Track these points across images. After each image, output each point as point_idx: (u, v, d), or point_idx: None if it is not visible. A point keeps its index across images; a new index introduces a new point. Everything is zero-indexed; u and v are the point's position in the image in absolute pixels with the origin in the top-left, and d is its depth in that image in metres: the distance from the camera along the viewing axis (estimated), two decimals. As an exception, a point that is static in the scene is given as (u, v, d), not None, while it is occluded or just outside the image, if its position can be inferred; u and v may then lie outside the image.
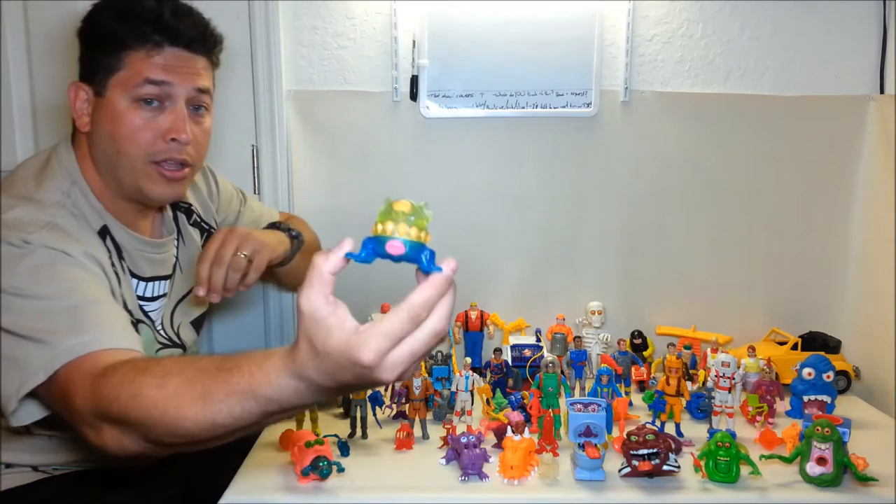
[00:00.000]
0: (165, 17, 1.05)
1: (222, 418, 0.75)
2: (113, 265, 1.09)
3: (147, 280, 1.18)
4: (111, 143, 1.07)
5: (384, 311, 1.70)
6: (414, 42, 1.68)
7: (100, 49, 1.05)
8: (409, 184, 1.74)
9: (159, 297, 1.21)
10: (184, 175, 1.12)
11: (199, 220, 1.35)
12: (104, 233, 1.10)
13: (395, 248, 0.70)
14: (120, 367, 0.82)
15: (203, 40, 1.10)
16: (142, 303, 1.18)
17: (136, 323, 1.12)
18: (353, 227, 1.85)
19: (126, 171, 1.08)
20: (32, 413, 0.92)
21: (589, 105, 1.70)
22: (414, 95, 1.69)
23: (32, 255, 0.95)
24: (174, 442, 0.79)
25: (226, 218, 1.44)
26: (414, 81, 1.68)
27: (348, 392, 1.07)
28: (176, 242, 1.27)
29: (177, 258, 1.27)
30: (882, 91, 1.70)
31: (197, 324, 1.32)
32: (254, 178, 1.71)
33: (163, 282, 1.21)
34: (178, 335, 1.26)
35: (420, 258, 0.71)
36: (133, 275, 1.15)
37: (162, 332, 1.23)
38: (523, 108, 1.70)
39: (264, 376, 0.71)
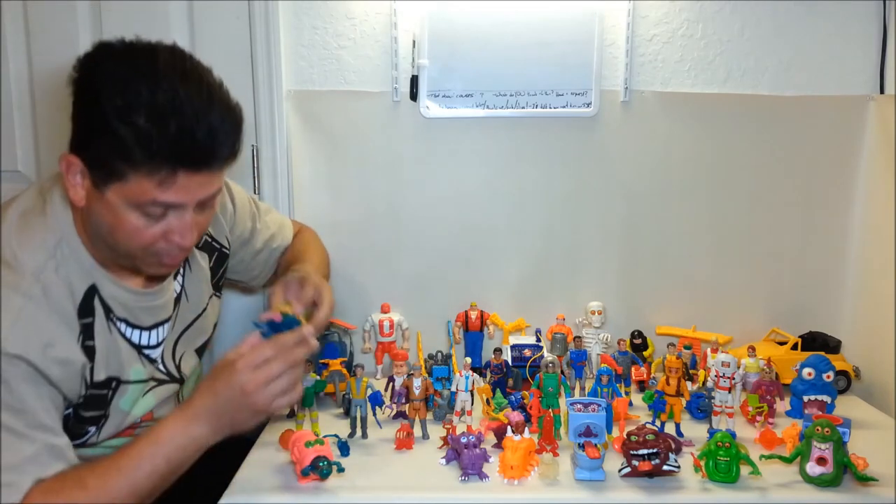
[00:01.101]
0: (195, 144, 0.94)
1: (141, 480, 0.98)
2: (89, 338, 1.05)
3: (149, 328, 1.15)
4: (108, 234, 1.01)
5: (384, 311, 1.70)
6: (414, 42, 1.68)
7: (107, 148, 0.94)
8: (409, 184, 1.74)
9: (163, 341, 1.18)
10: (182, 259, 1.11)
11: (209, 240, 1.30)
12: (92, 293, 1.05)
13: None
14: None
15: (228, 157, 1.00)
16: (147, 351, 1.15)
17: (118, 383, 1.11)
18: (353, 226, 1.87)
19: (122, 255, 1.04)
20: None
21: (589, 105, 1.70)
22: (414, 95, 1.69)
23: None
24: None
25: (240, 235, 1.40)
26: (414, 81, 1.68)
27: (234, 428, 1.07)
28: (182, 272, 1.23)
29: (183, 287, 1.23)
30: (882, 91, 1.70)
31: (200, 350, 1.30)
32: (254, 178, 1.71)
33: (165, 325, 1.18)
34: (178, 368, 1.23)
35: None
36: (132, 325, 1.12)
37: (162, 367, 1.19)
38: (523, 108, 1.70)
39: (163, 428, 0.97)
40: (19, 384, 0.95)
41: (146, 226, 0.99)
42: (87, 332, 1.04)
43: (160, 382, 1.19)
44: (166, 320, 1.18)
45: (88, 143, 0.97)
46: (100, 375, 1.07)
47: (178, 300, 1.21)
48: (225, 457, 1.28)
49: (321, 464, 1.12)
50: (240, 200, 1.39)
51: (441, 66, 1.68)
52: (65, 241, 1.04)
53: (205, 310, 1.29)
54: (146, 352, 1.15)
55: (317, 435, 1.23)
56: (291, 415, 1.44)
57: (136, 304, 1.12)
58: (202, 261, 1.28)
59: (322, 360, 1.52)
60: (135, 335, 1.13)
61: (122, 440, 1.17)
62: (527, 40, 1.67)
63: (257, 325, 1.09)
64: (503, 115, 1.70)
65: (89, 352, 1.05)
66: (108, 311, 1.08)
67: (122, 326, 1.11)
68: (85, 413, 1.06)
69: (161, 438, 1.02)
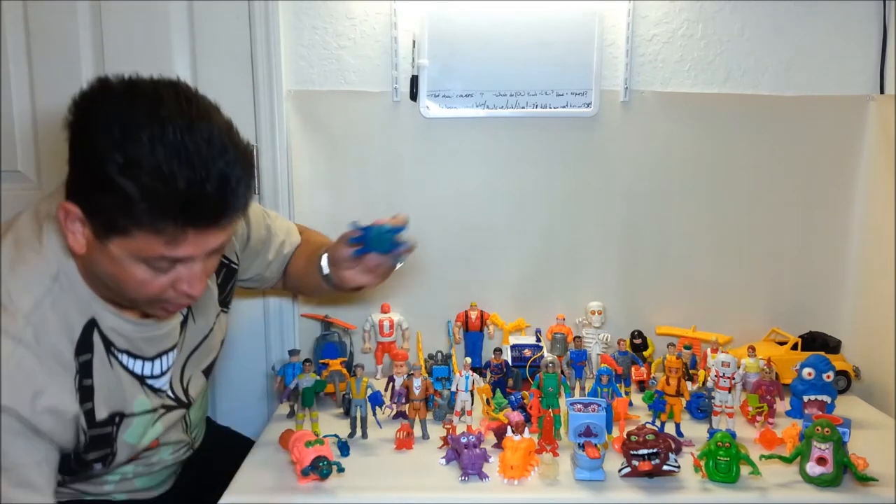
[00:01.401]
0: (206, 201, 0.88)
1: None
2: (87, 377, 1.00)
3: (153, 359, 1.10)
4: (112, 283, 0.96)
5: (384, 311, 1.70)
6: (414, 42, 1.68)
7: (110, 202, 0.87)
8: (409, 184, 1.74)
9: (168, 369, 1.14)
10: (189, 304, 1.06)
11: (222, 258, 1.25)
12: (91, 327, 1.00)
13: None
14: None
15: (241, 209, 0.93)
16: (150, 381, 1.11)
17: (121, 417, 1.07)
18: (353, 227, 1.84)
19: (125, 300, 1.01)
20: None
21: (589, 105, 1.70)
22: (414, 95, 1.69)
23: None
24: None
25: (252, 249, 1.35)
26: (414, 81, 1.68)
27: None
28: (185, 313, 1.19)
29: (189, 309, 1.18)
30: (882, 91, 1.70)
31: (208, 370, 1.25)
32: (254, 178, 1.71)
33: (170, 354, 1.13)
34: (186, 391, 1.19)
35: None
36: (135, 356, 1.07)
37: (170, 394, 1.15)
38: (523, 108, 1.70)
39: None
40: (7, 438, 0.90)
41: (153, 278, 0.94)
42: (84, 371, 1.00)
43: (168, 409, 1.15)
44: (171, 349, 1.13)
45: (88, 193, 0.90)
46: (101, 414, 1.02)
47: (184, 324, 1.16)
48: (225, 457, 1.28)
49: (321, 464, 1.12)
50: (254, 217, 1.33)
51: (441, 66, 1.68)
52: (62, 273, 0.98)
53: (212, 329, 1.24)
54: (150, 382, 1.10)
55: (317, 435, 1.23)
56: (291, 415, 1.44)
57: (138, 335, 1.06)
58: (210, 281, 1.22)
59: (322, 360, 1.52)
60: (137, 366, 1.08)
61: (129, 467, 1.17)
62: (527, 40, 1.67)
63: (353, 226, 1.17)
64: (503, 115, 1.70)
65: (86, 392, 1.00)
66: (108, 344, 1.03)
67: (124, 358, 1.06)
68: (88, 456, 1.03)
69: None
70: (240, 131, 0.93)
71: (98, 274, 0.96)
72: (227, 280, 1.29)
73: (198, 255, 0.94)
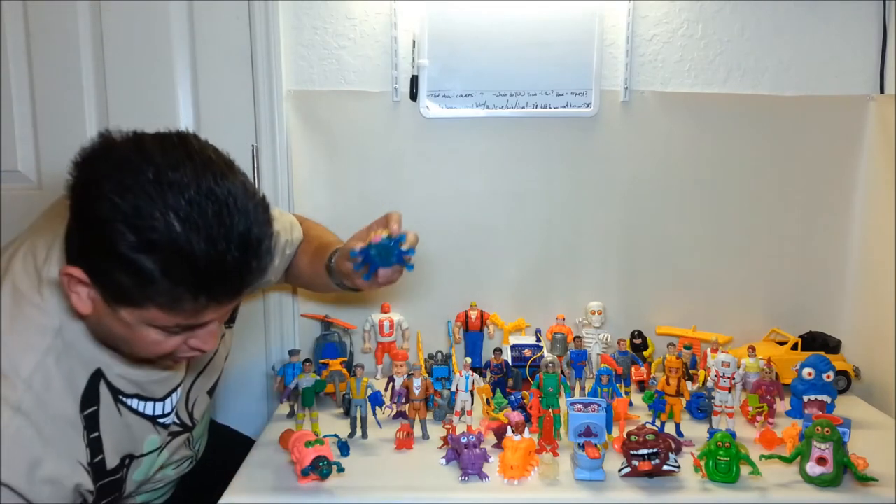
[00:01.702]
0: (225, 277, 0.84)
1: None
2: (94, 430, 0.97)
3: (163, 399, 1.08)
4: (121, 342, 0.93)
5: (384, 311, 1.70)
6: (414, 42, 1.68)
7: (116, 273, 0.82)
8: (409, 184, 1.74)
9: (176, 404, 1.12)
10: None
11: None
12: (97, 379, 0.97)
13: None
14: None
15: (264, 271, 0.89)
16: (161, 420, 1.09)
17: (131, 459, 1.05)
18: (353, 226, 1.86)
19: (135, 358, 0.98)
20: None
21: (589, 105, 1.70)
22: (414, 95, 1.69)
23: None
24: None
25: None
26: (414, 81, 1.68)
27: None
28: None
29: None
30: (882, 91, 1.70)
31: (212, 390, 1.25)
32: (254, 178, 1.71)
33: (179, 390, 1.11)
34: (191, 415, 1.17)
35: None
36: (145, 399, 1.05)
37: (176, 420, 1.14)
38: (523, 108, 1.70)
39: None
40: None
41: (166, 339, 0.90)
42: (91, 425, 0.96)
43: (174, 435, 1.14)
44: (179, 385, 1.11)
45: (96, 262, 0.84)
46: (112, 462, 1.00)
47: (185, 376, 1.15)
48: (225, 457, 1.28)
49: (321, 464, 1.12)
50: None
51: (441, 66, 1.68)
52: (65, 328, 0.93)
53: (216, 350, 1.21)
54: (161, 420, 1.09)
55: (317, 435, 1.23)
56: (291, 415, 1.44)
57: (147, 380, 1.04)
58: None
59: (322, 360, 1.52)
60: (148, 408, 1.05)
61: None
62: (527, 40, 1.67)
63: (353, 254, 1.09)
64: (503, 115, 1.70)
65: (95, 444, 0.97)
66: (115, 392, 1.00)
67: (134, 403, 1.03)
68: (101, 502, 1.01)
69: None
70: (254, 185, 0.88)
71: (106, 333, 0.92)
72: None
73: (216, 319, 0.91)
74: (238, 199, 0.83)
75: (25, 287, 0.95)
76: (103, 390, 0.98)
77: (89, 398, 0.96)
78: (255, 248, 0.85)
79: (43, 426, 0.90)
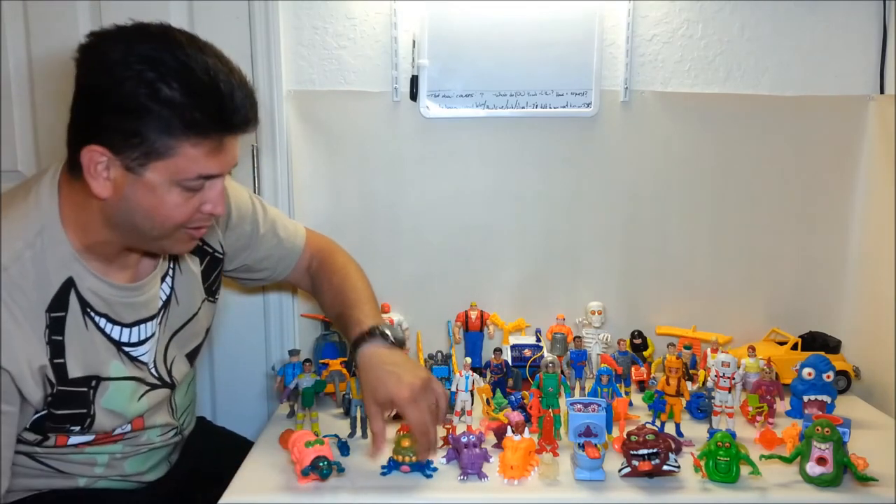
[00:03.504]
0: (236, 107, 0.96)
1: None
2: (58, 333, 1.01)
3: (130, 325, 1.11)
4: (145, 218, 0.99)
5: (384, 311, 1.70)
6: (414, 42, 1.68)
7: (144, 126, 0.92)
8: (409, 184, 1.74)
9: (147, 339, 1.14)
10: (207, 229, 1.10)
11: (200, 244, 1.24)
12: (68, 287, 1.02)
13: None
14: None
15: (256, 122, 1.02)
16: (128, 349, 1.11)
17: (97, 380, 1.07)
18: (353, 227, 1.86)
19: (153, 236, 1.02)
20: None
21: (589, 105, 1.70)
22: (414, 95, 1.69)
23: None
24: None
25: (238, 240, 1.32)
26: (414, 81, 1.68)
27: None
28: (171, 274, 1.19)
29: (172, 289, 1.19)
30: (882, 91, 1.70)
31: (192, 356, 1.26)
32: (254, 178, 1.71)
33: (148, 323, 1.14)
34: (170, 373, 1.19)
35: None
36: (113, 321, 1.08)
37: (154, 371, 1.16)
38: (523, 108, 1.70)
39: None
40: None
41: (185, 201, 0.99)
42: (55, 327, 1.01)
43: (152, 387, 1.16)
44: (149, 318, 1.14)
45: (115, 128, 0.92)
46: (75, 372, 1.03)
47: (167, 303, 1.18)
48: (225, 457, 1.28)
49: (321, 464, 1.12)
50: (237, 205, 1.31)
51: (441, 66, 1.68)
52: (47, 230, 1.00)
53: (196, 314, 1.25)
54: (127, 349, 1.11)
55: (317, 435, 1.23)
56: (291, 415, 1.44)
57: (117, 300, 1.08)
58: (192, 265, 1.24)
59: (322, 360, 1.52)
60: (115, 331, 1.09)
61: (118, 446, 1.17)
62: (527, 40, 1.67)
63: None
64: (503, 115, 1.70)
65: (57, 347, 1.01)
66: (84, 305, 1.04)
67: (102, 322, 1.07)
68: (59, 411, 1.03)
69: None
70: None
71: (127, 216, 0.99)
72: (212, 268, 1.28)
73: (227, 169, 1.01)
74: (227, 58, 0.99)
75: (16, 192, 1.05)
76: (73, 300, 1.02)
77: (58, 303, 1.01)
78: (248, 84, 0.99)
79: (12, 309, 0.96)
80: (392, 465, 1.18)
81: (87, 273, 1.03)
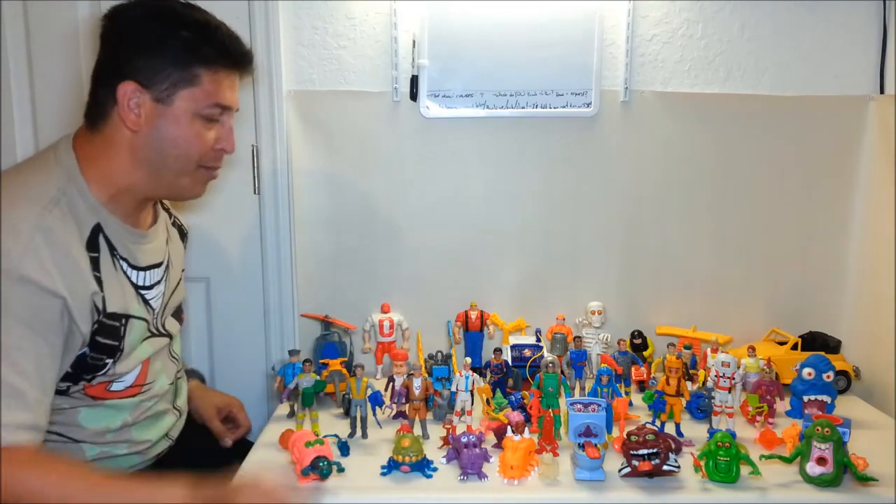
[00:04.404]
0: (243, 49, 1.16)
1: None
2: (97, 270, 1.10)
3: (144, 269, 1.21)
4: (172, 146, 1.12)
5: (384, 311, 1.70)
6: (414, 42, 1.68)
7: (170, 60, 1.09)
8: (409, 184, 1.74)
9: (156, 283, 1.23)
10: (219, 170, 1.23)
11: (176, 220, 1.39)
12: (97, 231, 1.12)
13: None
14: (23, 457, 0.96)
15: (251, 66, 1.20)
16: (143, 292, 1.20)
17: (127, 318, 1.15)
18: (353, 226, 1.86)
19: (174, 170, 1.14)
20: None
21: (589, 105, 1.70)
22: (414, 95, 1.69)
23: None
24: None
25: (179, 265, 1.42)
26: (414, 81, 1.68)
27: None
28: (168, 236, 1.32)
29: (168, 254, 1.29)
30: (882, 91, 1.70)
31: (177, 315, 1.34)
32: (254, 178, 1.71)
33: (156, 269, 1.25)
34: (163, 325, 1.27)
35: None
36: (132, 266, 1.18)
37: (156, 320, 1.24)
38: (523, 108, 1.70)
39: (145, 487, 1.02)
40: (19, 314, 0.98)
41: (205, 131, 1.13)
42: (94, 265, 1.10)
43: (154, 335, 1.23)
44: (157, 265, 1.25)
45: (144, 66, 1.08)
46: (112, 307, 1.12)
47: (167, 267, 1.28)
48: (225, 457, 1.28)
49: (321, 464, 1.12)
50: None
51: (441, 66, 1.68)
52: (73, 182, 1.10)
53: (180, 281, 1.35)
54: (142, 292, 1.20)
55: (317, 435, 1.23)
56: (291, 415, 1.44)
57: (134, 244, 1.18)
58: (175, 235, 1.36)
59: (322, 360, 1.52)
60: (133, 274, 1.18)
61: (126, 415, 1.19)
62: (527, 40, 1.67)
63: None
64: (503, 115, 1.70)
65: (98, 282, 1.10)
66: (111, 248, 1.14)
67: (124, 265, 1.17)
68: (101, 339, 1.10)
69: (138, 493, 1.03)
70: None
71: (153, 147, 1.11)
72: (184, 242, 1.41)
73: (235, 104, 1.17)
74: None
75: (34, 155, 1.18)
76: (102, 243, 1.12)
77: (93, 244, 1.11)
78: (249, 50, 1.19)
79: (65, 239, 1.06)
80: (392, 465, 1.18)
81: (110, 219, 1.14)
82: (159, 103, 1.09)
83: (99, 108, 1.11)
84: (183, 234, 1.41)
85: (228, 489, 1.04)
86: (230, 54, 1.14)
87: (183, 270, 1.39)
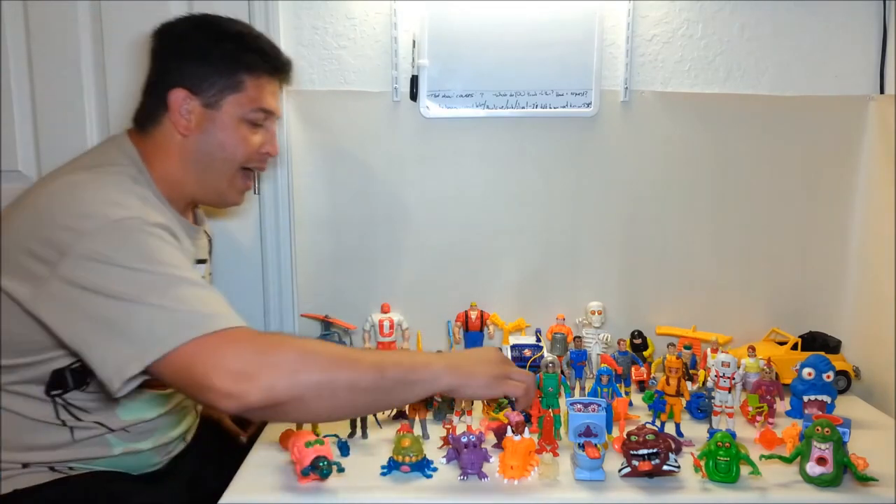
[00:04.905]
0: (276, 53, 1.25)
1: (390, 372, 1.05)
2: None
3: (195, 263, 1.28)
4: (219, 149, 1.20)
5: (384, 311, 1.70)
6: (414, 42, 1.68)
7: (216, 68, 1.17)
8: (409, 184, 1.74)
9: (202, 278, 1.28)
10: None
11: (205, 231, 1.42)
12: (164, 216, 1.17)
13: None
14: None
15: (291, 73, 1.29)
16: None
17: None
18: (353, 226, 1.86)
19: (219, 173, 1.22)
20: (131, 383, 0.96)
21: (589, 105, 1.70)
22: (414, 95, 1.69)
23: (137, 229, 1.01)
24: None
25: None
26: (414, 81, 1.68)
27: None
28: (206, 236, 1.39)
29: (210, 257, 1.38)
30: (882, 91, 1.70)
31: None
32: (253, 177, 1.71)
33: (202, 266, 1.34)
34: None
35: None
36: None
37: None
38: (523, 108, 1.70)
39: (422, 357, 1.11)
40: (169, 249, 1.03)
41: (250, 135, 1.21)
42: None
43: None
44: (203, 262, 1.34)
45: (193, 73, 1.16)
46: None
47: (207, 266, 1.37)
48: (225, 457, 1.28)
49: (321, 464, 1.12)
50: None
51: (441, 66, 1.68)
52: (141, 172, 1.17)
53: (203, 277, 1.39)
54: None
55: (317, 435, 1.23)
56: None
57: (187, 236, 1.25)
58: (205, 242, 1.40)
59: (322, 360, 1.51)
60: None
61: (166, 393, 1.25)
62: (527, 40, 1.67)
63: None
64: (503, 115, 1.70)
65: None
66: (175, 237, 1.15)
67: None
68: None
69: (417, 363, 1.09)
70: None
71: (202, 150, 1.19)
72: (211, 251, 1.47)
73: (277, 111, 1.25)
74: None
75: (95, 153, 1.22)
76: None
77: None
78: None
79: (158, 210, 1.14)
80: (392, 465, 1.18)
81: (170, 211, 1.21)
82: (208, 108, 1.17)
83: (149, 113, 1.19)
84: (209, 241, 1.45)
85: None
86: (271, 60, 1.22)
87: (210, 274, 1.44)
